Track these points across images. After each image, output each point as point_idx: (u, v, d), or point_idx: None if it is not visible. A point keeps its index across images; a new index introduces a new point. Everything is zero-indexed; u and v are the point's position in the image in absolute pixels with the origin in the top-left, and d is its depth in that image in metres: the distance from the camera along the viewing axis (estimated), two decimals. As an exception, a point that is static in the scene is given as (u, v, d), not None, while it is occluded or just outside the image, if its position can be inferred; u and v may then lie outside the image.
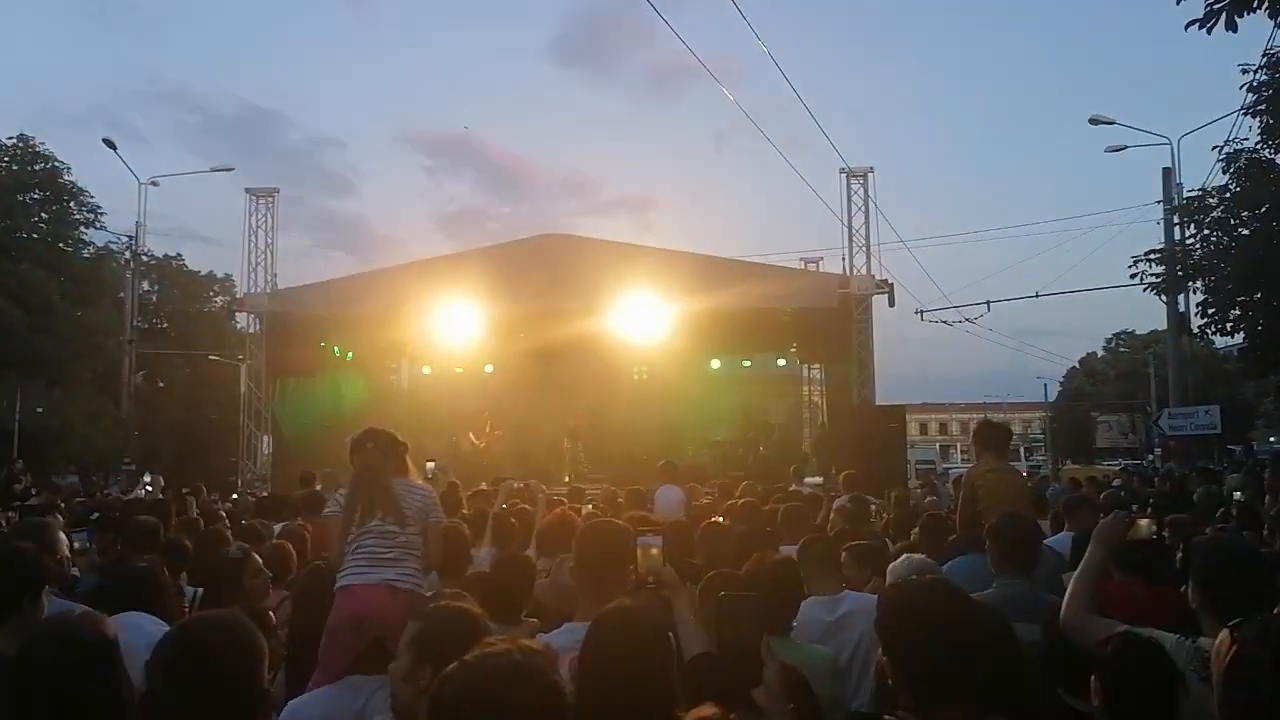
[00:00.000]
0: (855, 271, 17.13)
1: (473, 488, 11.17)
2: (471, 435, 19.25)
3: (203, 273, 40.78)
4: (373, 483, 4.15)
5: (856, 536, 4.98)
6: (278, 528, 6.62)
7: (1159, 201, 20.36)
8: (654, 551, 2.91)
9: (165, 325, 39.28)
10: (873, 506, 8.41)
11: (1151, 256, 17.78)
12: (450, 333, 17.86)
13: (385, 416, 18.90)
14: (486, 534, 5.67)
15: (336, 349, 19.21)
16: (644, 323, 17.06)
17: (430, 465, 7.96)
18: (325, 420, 18.36)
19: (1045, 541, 5.31)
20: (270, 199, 18.45)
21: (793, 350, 21.33)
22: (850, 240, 17.25)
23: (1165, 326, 21.69)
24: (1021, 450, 53.85)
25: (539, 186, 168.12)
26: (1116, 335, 54.39)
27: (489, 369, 22.82)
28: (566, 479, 18.26)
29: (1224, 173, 15.71)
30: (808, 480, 14.37)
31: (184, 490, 8.27)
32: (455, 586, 4.19)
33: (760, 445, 20.68)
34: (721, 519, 6.77)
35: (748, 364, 22.52)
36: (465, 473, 16.60)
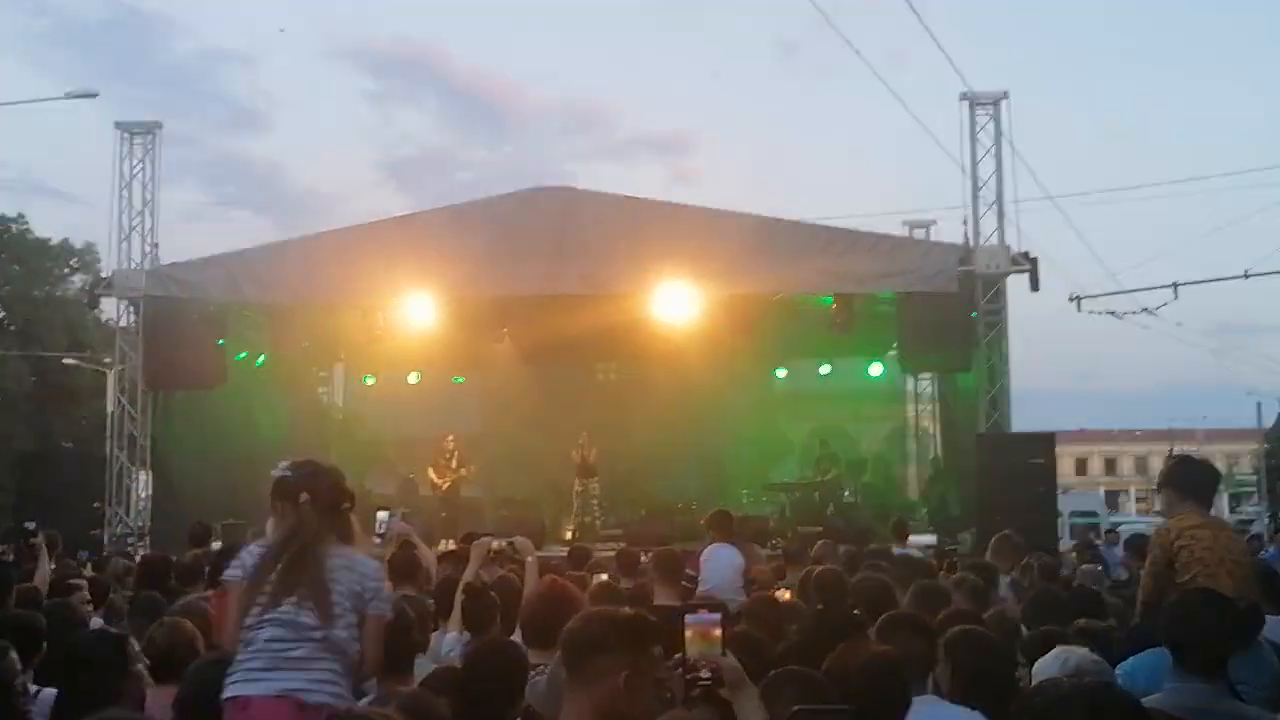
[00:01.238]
0: (983, 241, 17.08)
1: (435, 546, 11.25)
2: (432, 472, 19.40)
3: (54, 241, 41.38)
4: (296, 554, 4.20)
5: (978, 621, 4.99)
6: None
7: None
8: (714, 634, 2.95)
9: (2, 315, 39.87)
10: (1004, 579, 8.39)
11: None
12: (404, 328, 17.98)
13: (312, 445, 19.15)
14: (455, 611, 5.73)
15: (243, 350, 19.40)
16: (680, 314, 17.08)
17: (382, 516, 8.05)
18: (226, 451, 18.53)
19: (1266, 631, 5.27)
20: (150, 137, 18.64)
21: (892, 354, 21.25)
22: (975, 196, 17.18)
23: None
24: (1225, 498, 53.29)
25: (529, 120, 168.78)
26: (1364, 333, 53.77)
27: (459, 379, 23.00)
28: (570, 534, 18.34)
29: None
30: (914, 540, 14.32)
31: (30, 536, 8.33)
32: (405, 686, 4.25)
33: (845, 489, 20.64)
34: (788, 594, 6.79)
35: (827, 372, 22.52)
36: (425, 525, 16.74)
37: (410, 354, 20.31)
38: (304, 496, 4.31)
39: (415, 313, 17.31)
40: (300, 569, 4.19)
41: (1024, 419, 17.71)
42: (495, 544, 6.59)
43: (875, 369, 22.39)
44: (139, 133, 18.60)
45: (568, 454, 19.21)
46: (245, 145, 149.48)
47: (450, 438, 19.52)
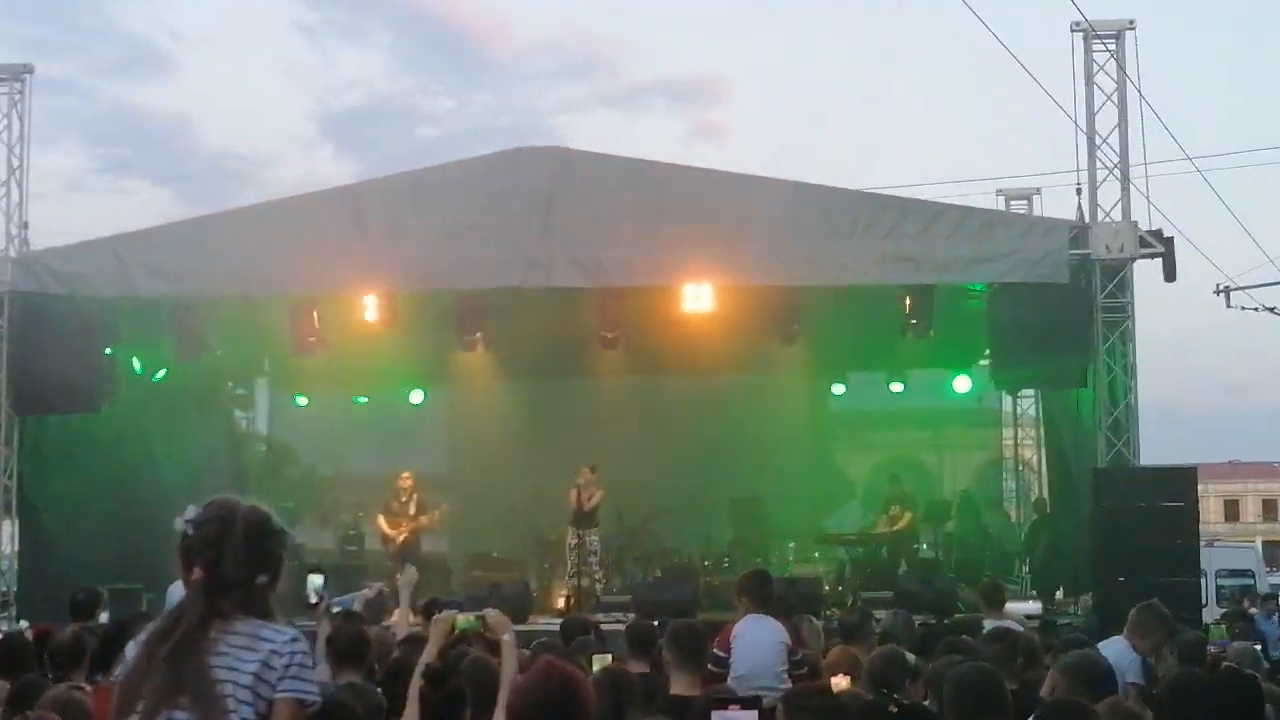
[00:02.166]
0: (1101, 216, 17.03)
1: (386, 618, 11.23)
2: (383, 521, 19.39)
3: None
4: (178, 645, 4.16)
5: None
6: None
7: None
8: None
9: None
10: (1133, 660, 8.37)
11: None
12: (347, 331, 18.01)
13: (227, 485, 19.14)
14: (412, 706, 5.74)
15: (137, 361, 19.45)
16: (706, 312, 17.07)
17: (316, 581, 8.06)
18: (116, 494, 18.54)
19: None
20: (18, 85, 18.69)
21: (984, 364, 21.24)
22: (1092, 157, 17.13)
23: None
24: None
25: (512, 60, 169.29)
26: None
27: (417, 397, 22.99)
28: (564, 601, 18.29)
29: None
30: (1013, 608, 14.27)
31: None
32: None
33: (920, 541, 20.61)
34: (845, 680, 6.79)
35: (899, 388, 22.47)
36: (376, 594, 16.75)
37: (356, 366, 20.32)
38: (196, 573, 4.24)
39: (362, 311, 17.33)
40: (181, 662, 4.13)
41: (1156, 449, 17.62)
42: (462, 618, 6.57)
43: (961, 384, 22.36)
44: (4, 79, 18.66)
45: (561, 496, 19.12)
46: (142, 94, 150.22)
47: (407, 475, 19.52)
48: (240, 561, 4.13)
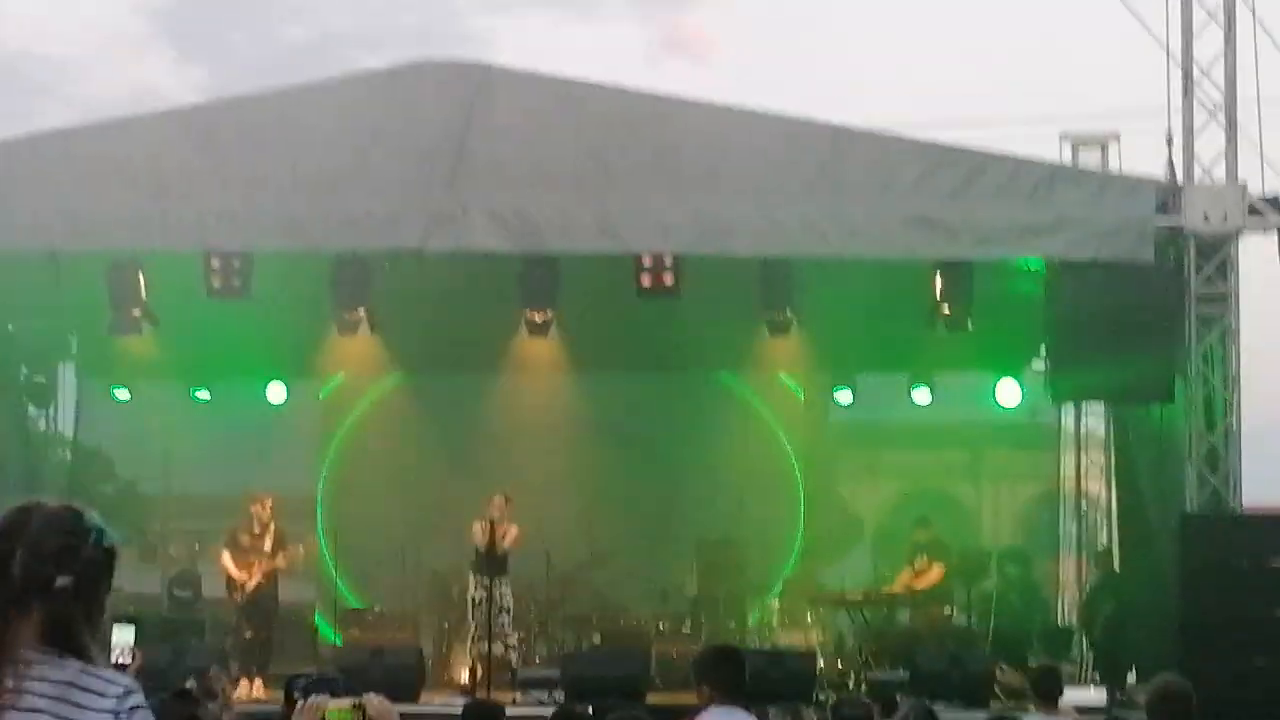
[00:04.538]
0: (1200, 172, 17.05)
1: (229, 689, 11.21)
2: (229, 560, 19.20)
3: None
4: None
5: None
6: None
7: None
8: None
9: None
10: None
11: None
12: (185, 305, 17.95)
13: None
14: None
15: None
16: (665, 290, 17.04)
17: (123, 638, 8.08)
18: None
19: None
20: None
21: (1038, 367, 21.29)
22: (1187, 95, 17.15)
23: None
24: None
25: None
26: None
27: (278, 393, 22.87)
28: (467, 674, 18.16)
29: None
30: (1072, 698, 14.30)
31: None
32: None
33: (952, 605, 20.55)
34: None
35: (925, 398, 22.44)
36: (207, 652, 16.63)
37: (195, 350, 20.27)
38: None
39: (205, 277, 17.23)
40: None
41: (1260, 487, 17.63)
42: (333, 707, 6.55)
43: (1008, 393, 22.33)
44: None
45: (466, 531, 18.90)
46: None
47: (265, 498, 19.18)
48: (33, 556, 3.64)
